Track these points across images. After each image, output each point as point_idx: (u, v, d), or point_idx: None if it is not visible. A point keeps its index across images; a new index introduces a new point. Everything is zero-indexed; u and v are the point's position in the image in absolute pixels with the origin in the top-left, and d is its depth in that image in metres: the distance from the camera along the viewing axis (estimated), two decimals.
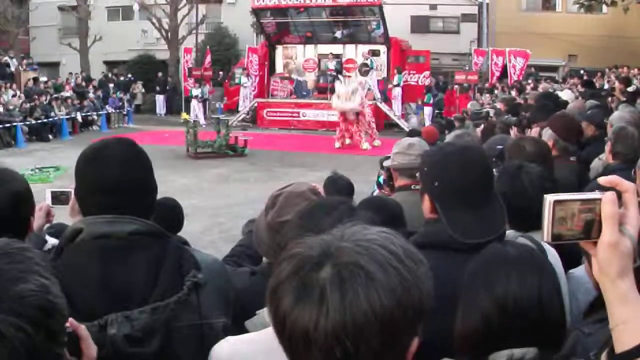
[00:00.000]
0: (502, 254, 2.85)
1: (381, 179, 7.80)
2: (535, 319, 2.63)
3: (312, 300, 1.73)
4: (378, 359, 1.78)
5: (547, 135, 7.38)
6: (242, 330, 2.99)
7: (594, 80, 31.80)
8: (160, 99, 51.05)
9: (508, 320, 2.64)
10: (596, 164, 7.72)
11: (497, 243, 3.02)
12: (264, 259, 3.82)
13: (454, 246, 3.34)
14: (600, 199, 1.95)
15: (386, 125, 40.33)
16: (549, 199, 1.96)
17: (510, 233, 3.96)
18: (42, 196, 4.57)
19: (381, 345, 1.76)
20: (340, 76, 35.54)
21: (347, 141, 31.99)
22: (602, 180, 2.02)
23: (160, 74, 52.32)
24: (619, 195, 2.01)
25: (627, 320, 1.93)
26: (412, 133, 12.95)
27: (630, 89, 18.39)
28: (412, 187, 5.64)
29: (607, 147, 7.18)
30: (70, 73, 48.57)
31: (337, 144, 31.84)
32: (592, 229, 1.96)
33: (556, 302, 2.71)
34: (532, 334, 2.61)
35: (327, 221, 2.79)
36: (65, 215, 4.16)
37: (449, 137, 10.10)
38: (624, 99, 16.09)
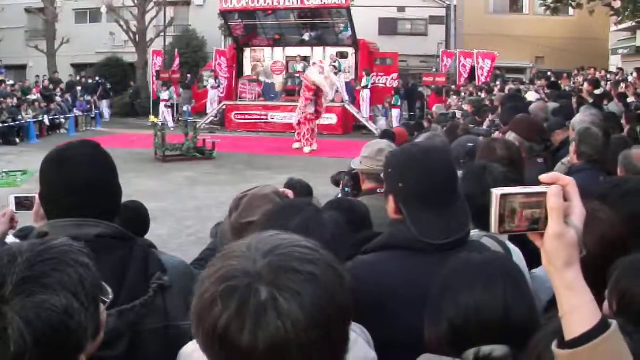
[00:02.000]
0: (467, 262, 2.86)
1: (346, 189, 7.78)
2: (501, 325, 2.65)
3: (274, 324, 1.70)
4: (343, 347, 1.84)
5: (511, 138, 7.42)
6: None
7: (561, 81, 32.01)
8: (104, 104, 50.56)
9: (473, 327, 2.66)
10: (560, 168, 7.76)
11: (464, 252, 3.03)
12: None
13: (419, 247, 3.35)
14: (545, 192, 2.00)
15: (354, 127, 40.40)
16: (496, 192, 2.01)
17: (475, 233, 3.97)
18: (7, 201, 4.54)
19: (344, 333, 1.81)
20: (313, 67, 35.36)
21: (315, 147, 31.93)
22: (543, 177, 2.07)
23: (97, 78, 52.16)
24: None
25: (575, 308, 2.00)
26: (385, 135, 12.93)
27: (597, 92, 18.54)
28: (378, 190, 5.64)
29: (572, 148, 7.23)
30: (38, 76, 48.24)
31: (308, 149, 31.65)
32: (538, 221, 2.02)
33: (523, 307, 2.72)
34: (500, 338, 2.63)
35: (294, 222, 2.81)
36: (31, 221, 4.13)
37: (420, 138, 10.13)
38: (591, 100, 16.23)
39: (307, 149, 31.39)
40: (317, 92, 30.74)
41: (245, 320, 1.72)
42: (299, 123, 31.90)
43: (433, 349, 2.77)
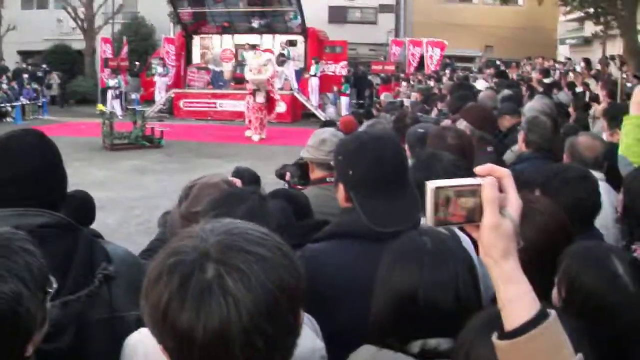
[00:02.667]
0: (416, 244, 2.85)
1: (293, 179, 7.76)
2: (450, 309, 2.64)
3: (217, 302, 1.68)
4: (290, 333, 1.82)
5: (462, 126, 7.44)
6: None
7: (509, 70, 32.27)
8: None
9: (420, 310, 2.66)
10: (508, 155, 7.82)
11: (413, 232, 3.02)
12: None
13: (369, 234, 3.35)
14: (480, 184, 2.01)
15: (303, 115, 40.43)
16: (430, 185, 2.02)
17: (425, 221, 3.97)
18: None
19: (292, 317, 1.80)
20: (251, 51, 35.39)
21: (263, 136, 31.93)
22: (478, 169, 2.07)
23: (44, 66, 51.92)
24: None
25: (513, 299, 2.01)
26: (327, 124, 12.95)
27: (547, 81, 18.73)
28: (327, 179, 5.63)
29: (521, 136, 7.28)
30: None
31: (257, 137, 31.61)
32: (474, 213, 2.03)
33: (472, 292, 2.73)
34: (448, 324, 2.61)
35: (240, 210, 2.79)
36: None
37: (363, 126, 10.15)
38: (541, 89, 16.37)
39: (256, 137, 31.38)
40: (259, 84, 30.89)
41: (187, 296, 1.70)
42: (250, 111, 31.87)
43: (376, 333, 2.76)
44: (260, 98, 31.14)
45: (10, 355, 2.04)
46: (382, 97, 25.68)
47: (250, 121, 31.90)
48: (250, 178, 6.80)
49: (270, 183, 7.56)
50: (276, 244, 1.82)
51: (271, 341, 1.74)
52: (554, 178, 4.68)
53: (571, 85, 19.10)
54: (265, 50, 40.14)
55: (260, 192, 3.16)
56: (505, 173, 2.07)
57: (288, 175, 7.96)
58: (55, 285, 2.28)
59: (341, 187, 3.64)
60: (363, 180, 3.49)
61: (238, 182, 3.85)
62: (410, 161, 4.62)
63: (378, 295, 2.82)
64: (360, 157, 3.55)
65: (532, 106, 9.12)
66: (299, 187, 6.70)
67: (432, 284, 2.67)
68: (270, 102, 31.77)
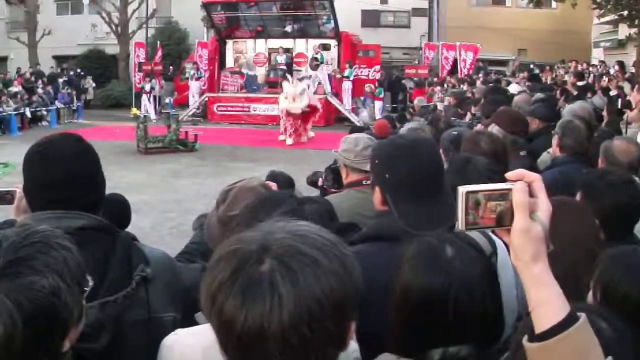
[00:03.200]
0: (435, 251, 2.85)
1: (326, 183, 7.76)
2: (469, 317, 2.65)
3: (264, 295, 1.73)
4: (330, 341, 1.83)
5: (494, 130, 7.41)
6: (193, 324, 2.99)
7: (542, 74, 32.08)
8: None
9: (438, 318, 2.66)
10: (544, 157, 7.78)
11: (431, 238, 3.02)
12: None
13: (404, 238, 3.35)
14: (511, 189, 2.05)
15: (337, 119, 40.39)
16: (461, 190, 2.05)
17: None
18: None
19: (334, 327, 1.80)
20: (288, 76, 35.40)
21: (304, 139, 32.04)
22: (509, 175, 2.11)
23: (79, 70, 52.32)
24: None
25: (543, 302, 2.04)
26: (355, 130, 12.91)
27: (580, 84, 18.64)
28: (364, 182, 5.62)
29: (555, 140, 7.23)
30: (19, 68, 48.06)
31: (290, 141, 31.65)
32: (505, 217, 2.07)
33: (491, 300, 2.72)
34: (467, 332, 2.63)
35: (276, 213, 2.80)
36: (12, 215, 4.11)
37: (402, 130, 10.12)
38: (575, 92, 16.28)
39: (289, 141, 31.46)
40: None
41: (236, 285, 1.78)
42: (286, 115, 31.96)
43: (395, 344, 2.77)
44: (297, 110, 31.20)
45: (47, 349, 2.07)
46: (415, 101, 25.57)
47: (285, 129, 31.93)
48: (285, 182, 6.83)
49: (304, 186, 7.58)
50: (337, 253, 1.85)
51: (308, 344, 1.77)
52: (598, 181, 4.66)
53: (606, 90, 18.98)
54: (298, 55, 40.21)
55: (296, 196, 3.18)
56: (535, 177, 2.10)
57: (321, 180, 7.97)
58: (91, 284, 2.31)
59: (377, 190, 3.65)
60: (400, 183, 3.50)
61: (274, 186, 3.86)
62: (444, 165, 4.62)
63: (395, 301, 2.83)
64: (397, 160, 3.56)
65: (573, 110, 9.06)
66: (333, 190, 6.70)
67: (450, 292, 2.67)
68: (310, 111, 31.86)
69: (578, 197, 4.53)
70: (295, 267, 1.77)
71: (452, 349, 2.61)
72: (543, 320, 2.02)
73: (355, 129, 13.27)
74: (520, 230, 2.04)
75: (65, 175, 3.06)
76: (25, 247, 2.05)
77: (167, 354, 2.79)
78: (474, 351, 2.61)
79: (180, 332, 2.86)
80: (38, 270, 2.00)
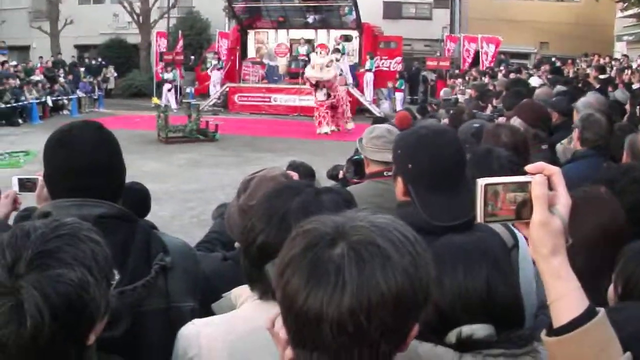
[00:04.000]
0: (451, 246, 2.86)
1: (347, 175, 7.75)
2: (484, 306, 2.65)
3: (328, 278, 1.73)
4: (387, 336, 1.80)
5: (516, 123, 7.37)
6: (211, 314, 2.98)
7: (565, 67, 31.96)
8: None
9: (458, 310, 2.66)
10: (559, 148, 7.73)
11: (451, 234, 3.02)
12: (237, 244, 3.81)
13: (427, 228, 3.33)
14: (530, 182, 2.07)
15: (357, 110, 40.37)
16: (480, 182, 2.08)
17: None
18: (10, 182, 4.52)
19: (393, 322, 1.78)
20: (316, 51, 35.43)
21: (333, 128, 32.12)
22: (529, 167, 2.12)
23: (100, 59, 52.44)
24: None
25: (562, 296, 2.06)
26: (377, 121, 12.89)
27: (602, 77, 18.56)
28: (385, 173, 5.61)
29: (575, 134, 7.18)
30: (41, 57, 48.21)
31: (326, 129, 31.73)
32: (524, 210, 2.08)
33: (505, 286, 2.71)
34: (484, 320, 2.63)
35: (294, 203, 2.79)
36: (34, 203, 4.12)
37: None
38: (598, 85, 16.20)
39: (319, 130, 31.62)
40: (318, 83, 30.90)
41: (303, 263, 1.78)
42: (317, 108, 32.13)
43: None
44: (321, 96, 31.18)
45: (74, 341, 2.07)
46: (441, 93, 25.52)
47: (320, 122, 31.98)
48: (306, 172, 6.82)
49: (324, 177, 7.58)
50: (411, 251, 1.82)
51: (364, 335, 1.76)
52: (622, 176, 4.63)
53: (628, 84, 18.88)
54: (319, 46, 40.16)
55: (314, 185, 3.17)
56: (555, 171, 2.11)
57: (342, 173, 7.96)
58: (117, 277, 2.31)
59: (400, 180, 3.64)
60: (422, 174, 3.49)
61: (295, 176, 3.84)
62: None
63: None
64: (420, 151, 3.54)
65: (587, 101, 9.01)
66: (355, 181, 6.68)
67: (465, 285, 2.68)
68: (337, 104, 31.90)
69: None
70: (366, 256, 1.75)
71: (465, 329, 2.61)
72: (561, 314, 2.04)
73: (376, 120, 13.24)
74: (540, 223, 2.05)
75: (85, 163, 3.05)
76: (53, 239, 2.04)
77: (184, 344, 2.79)
78: (493, 332, 2.61)
79: (197, 322, 2.85)
80: (67, 263, 2.00)
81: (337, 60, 35.24)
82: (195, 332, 2.78)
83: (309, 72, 31.72)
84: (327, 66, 30.71)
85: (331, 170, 8.74)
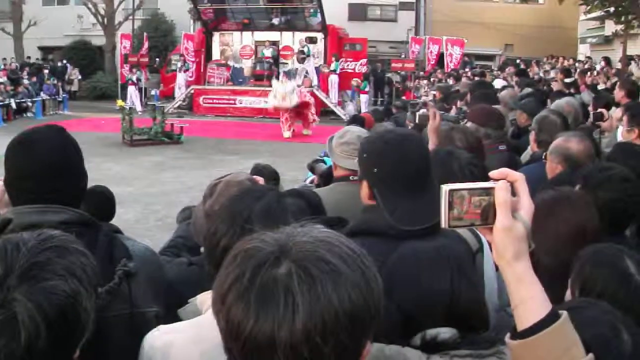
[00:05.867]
0: (416, 250, 2.89)
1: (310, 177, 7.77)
2: (449, 311, 2.69)
3: (277, 300, 1.64)
4: (343, 357, 1.71)
5: (469, 126, 7.40)
6: (177, 319, 2.97)
7: (529, 69, 32.17)
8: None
9: (423, 313, 2.69)
10: (526, 155, 7.77)
11: (413, 241, 3.03)
12: (202, 250, 3.81)
13: (392, 233, 3.33)
14: (494, 187, 2.11)
15: (322, 112, 40.42)
16: (445, 188, 2.10)
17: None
18: None
19: (349, 341, 1.70)
20: (280, 75, 35.58)
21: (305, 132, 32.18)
22: (493, 173, 2.17)
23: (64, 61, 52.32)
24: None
25: (525, 300, 2.10)
26: (354, 120, 12.88)
27: (567, 80, 18.70)
28: (351, 177, 5.63)
29: (532, 136, 7.24)
30: (4, 58, 47.90)
31: (287, 134, 31.76)
32: (488, 215, 2.12)
33: (469, 291, 2.74)
34: (449, 323, 2.68)
35: (257, 206, 2.80)
36: None
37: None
38: (564, 89, 16.33)
39: (286, 134, 31.78)
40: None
41: (247, 284, 1.69)
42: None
43: (382, 336, 2.78)
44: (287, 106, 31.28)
45: (65, 355, 2.05)
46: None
47: (287, 119, 32.03)
48: (270, 175, 6.83)
49: (289, 180, 7.60)
50: (361, 265, 1.76)
51: (319, 358, 1.68)
52: (598, 173, 4.66)
53: (594, 86, 19.04)
54: (284, 48, 40.22)
55: (277, 190, 3.17)
56: (518, 177, 2.15)
57: (316, 179, 7.98)
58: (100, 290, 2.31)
59: (365, 184, 3.63)
60: (388, 178, 3.48)
61: (261, 180, 3.84)
62: None
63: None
64: (386, 155, 3.53)
65: (559, 105, 9.06)
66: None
67: (429, 291, 2.72)
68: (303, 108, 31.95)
69: (577, 188, 4.54)
70: (315, 273, 1.67)
71: (430, 332, 2.65)
72: (525, 317, 2.09)
73: (355, 119, 13.20)
74: (503, 228, 2.09)
75: (47, 167, 3.04)
76: (44, 251, 2.03)
77: (148, 351, 2.77)
78: (456, 335, 2.65)
79: (162, 328, 2.84)
80: (59, 275, 1.99)
81: (300, 59, 35.33)
82: (160, 338, 2.77)
83: (271, 101, 31.83)
84: (291, 93, 30.78)
85: (312, 163, 8.76)
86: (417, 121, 8.48)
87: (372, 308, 1.75)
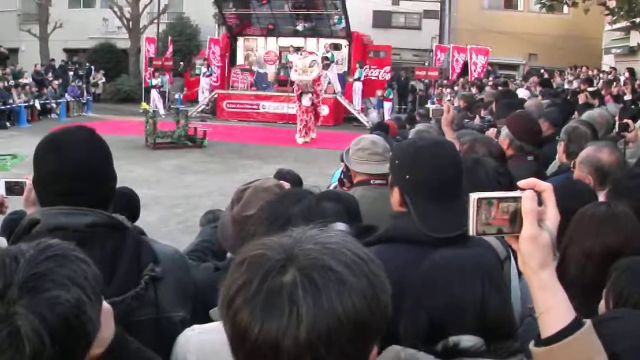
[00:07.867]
0: (447, 258, 2.91)
1: (339, 172, 7.73)
2: (477, 319, 2.71)
3: (282, 308, 1.64)
4: None
5: (504, 134, 7.37)
6: (204, 323, 2.96)
7: (553, 79, 32.03)
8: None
9: (451, 321, 2.71)
10: (553, 166, 7.73)
11: (444, 248, 3.02)
12: (229, 254, 3.79)
13: (422, 240, 3.33)
14: (520, 197, 2.15)
15: (345, 119, 40.42)
16: (473, 196, 2.15)
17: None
18: None
19: (352, 350, 1.70)
20: (298, 53, 35.63)
21: (312, 135, 32.03)
22: (521, 183, 2.22)
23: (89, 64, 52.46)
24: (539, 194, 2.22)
25: (550, 308, 2.15)
26: (378, 127, 12.88)
27: (590, 89, 18.63)
28: (371, 182, 5.63)
29: (560, 147, 7.20)
30: (36, 64, 48.07)
31: (301, 140, 31.62)
32: (514, 224, 2.16)
33: (498, 301, 2.75)
34: (475, 332, 2.69)
35: (296, 209, 2.79)
36: (21, 206, 4.08)
37: (412, 131, 10.11)
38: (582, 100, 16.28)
39: (300, 140, 31.49)
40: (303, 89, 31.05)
41: (255, 293, 1.68)
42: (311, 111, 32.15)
43: (406, 341, 2.77)
44: (307, 101, 31.18)
45: None
46: (429, 103, 25.56)
47: (302, 121, 32.03)
48: (294, 180, 6.80)
49: (310, 185, 7.56)
50: (367, 272, 1.75)
51: (358, 345, 1.71)
52: (627, 180, 4.64)
53: (617, 97, 18.94)
54: (310, 53, 40.26)
55: (315, 193, 3.16)
56: (546, 187, 2.21)
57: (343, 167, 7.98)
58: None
59: (396, 191, 3.61)
60: (420, 185, 3.48)
61: (287, 185, 3.84)
62: None
63: (412, 305, 2.84)
64: (419, 162, 3.53)
65: (591, 116, 9.02)
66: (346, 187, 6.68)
67: (460, 299, 2.74)
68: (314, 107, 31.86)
69: (603, 195, 4.52)
70: (319, 281, 1.66)
71: (452, 339, 2.67)
72: (549, 325, 2.13)
73: (380, 126, 13.21)
74: (529, 237, 2.13)
75: (77, 168, 3.03)
76: (43, 261, 1.99)
77: (182, 350, 2.77)
78: (481, 343, 2.66)
79: (196, 328, 2.84)
80: (61, 284, 1.96)
81: (324, 65, 35.28)
82: (195, 339, 2.79)
83: (294, 76, 32.05)
84: (310, 66, 30.74)
85: (344, 153, 8.77)
86: (430, 115, 8.45)
87: (377, 315, 1.75)
